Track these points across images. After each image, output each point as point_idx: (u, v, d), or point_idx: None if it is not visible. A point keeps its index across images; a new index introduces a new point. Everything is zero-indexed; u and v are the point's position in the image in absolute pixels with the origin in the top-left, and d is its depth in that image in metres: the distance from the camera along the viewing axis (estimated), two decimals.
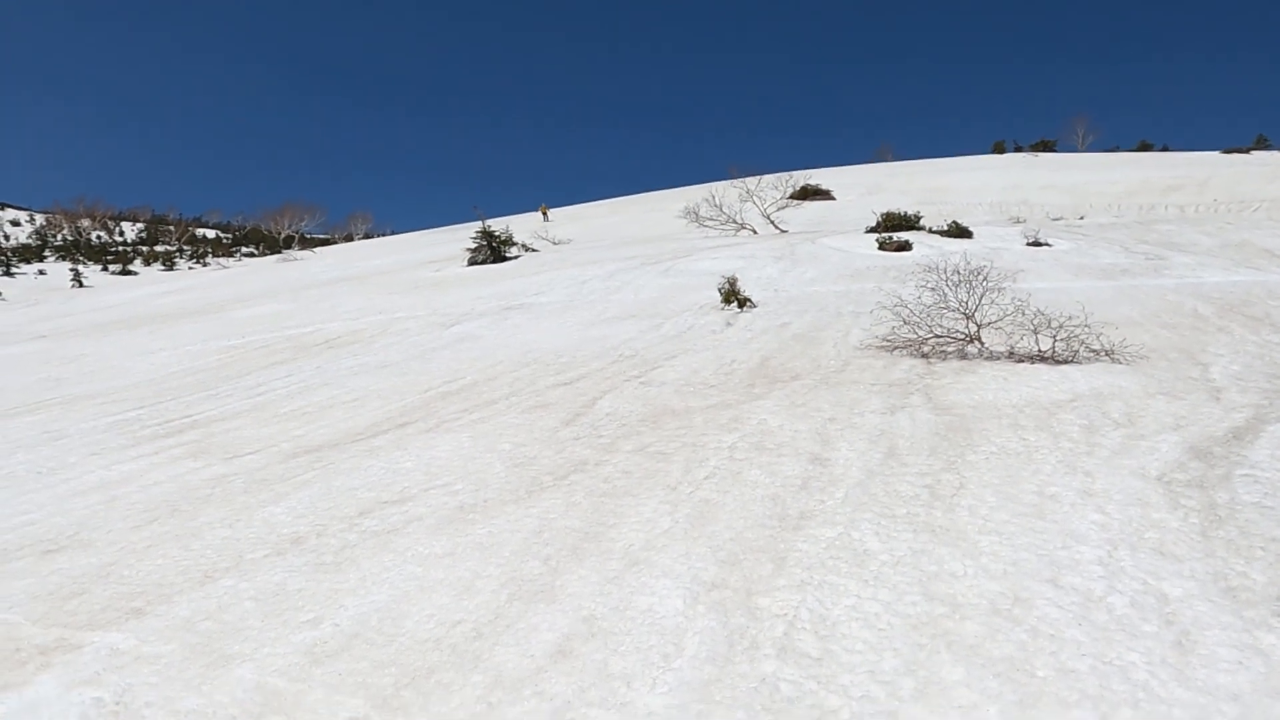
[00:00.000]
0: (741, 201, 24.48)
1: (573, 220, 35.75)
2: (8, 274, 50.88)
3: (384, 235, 67.56)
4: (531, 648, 3.07)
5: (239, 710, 2.89)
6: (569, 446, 5.43)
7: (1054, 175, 37.76)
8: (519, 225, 26.25)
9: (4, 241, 71.38)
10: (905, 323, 7.51)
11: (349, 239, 70.36)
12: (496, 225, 22.70)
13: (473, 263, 20.93)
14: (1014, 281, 9.56)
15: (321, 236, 71.58)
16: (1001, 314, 7.45)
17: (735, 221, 22.99)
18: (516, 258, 21.51)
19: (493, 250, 21.02)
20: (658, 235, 24.67)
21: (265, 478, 5.51)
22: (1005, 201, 30.76)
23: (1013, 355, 6.90)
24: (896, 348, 7.43)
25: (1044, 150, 54.94)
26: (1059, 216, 26.11)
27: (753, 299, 10.43)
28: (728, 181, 26.70)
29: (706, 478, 4.63)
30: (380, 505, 4.72)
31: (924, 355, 7.14)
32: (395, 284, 19.03)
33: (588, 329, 10.06)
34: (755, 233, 22.10)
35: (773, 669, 2.79)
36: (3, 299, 42.93)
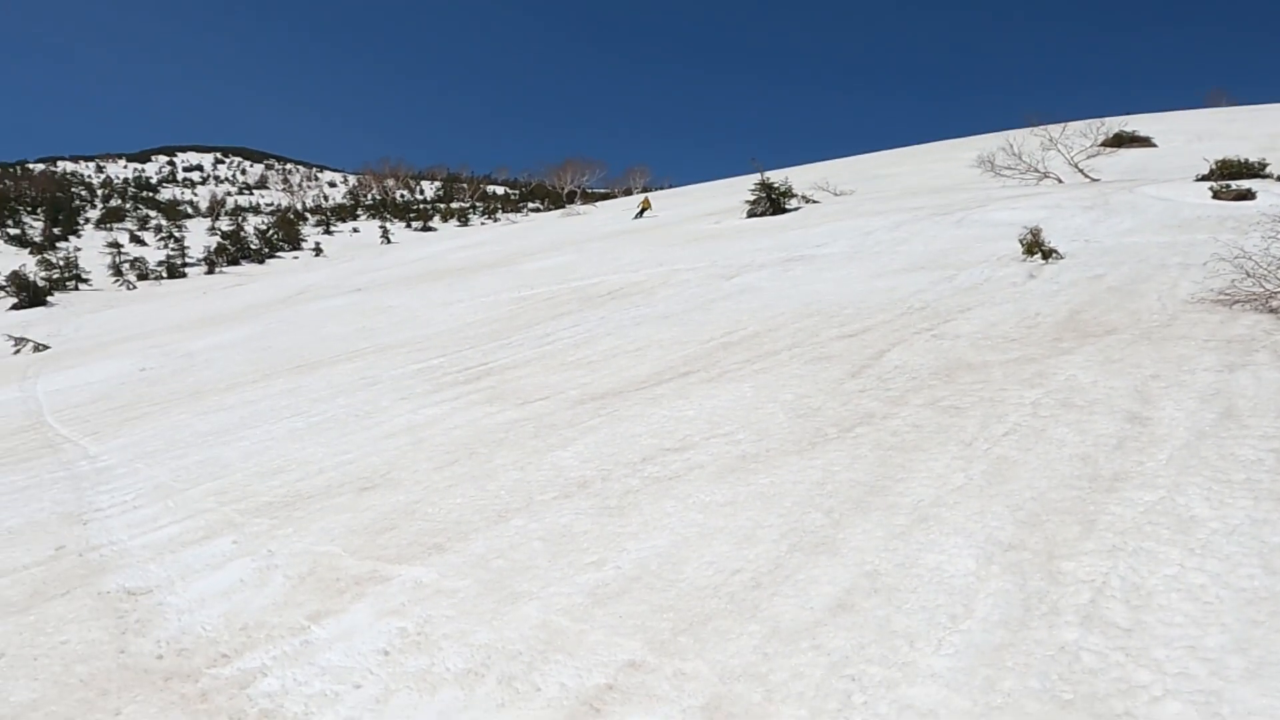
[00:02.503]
0: (1044, 150, 22.41)
1: (854, 173, 34.54)
2: (327, 232, 58.58)
3: (661, 189, 69.42)
4: (811, 600, 3.05)
5: (525, 646, 3.04)
6: (854, 398, 5.36)
7: None
8: (799, 177, 25.86)
9: (324, 202, 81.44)
10: (1249, 275, 6.58)
11: (628, 193, 73.11)
12: (775, 177, 22.56)
13: (751, 215, 21.01)
14: None
15: (602, 191, 74.97)
16: None
17: (1037, 170, 21.13)
18: (796, 209, 21.28)
19: (772, 202, 20.95)
20: (947, 185, 23.20)
21: (554, 423, 5.87)
22: None
23: None
24: (1237, 302, 6.53)
25: None
26: None
27: (1059, 250, 9.57)
28: (1028, 129, 24.53)
29: (1005, 434, 4.39)
30: (662, 452, 4.88)
31: (1272, 310, 6.22)
32: (675, 236, 19.57)
33: (873, 280, 9.79)
34: (1060, 181, 20.16)
35: (1074, 637, 2.63)
36: (325, 255, 49.49)
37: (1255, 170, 15.51)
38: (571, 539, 3.90)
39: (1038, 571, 3.03)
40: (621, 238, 22.48)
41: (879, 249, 12.22)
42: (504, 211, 67.09)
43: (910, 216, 15.03)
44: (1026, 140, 22.83)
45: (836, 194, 24.61)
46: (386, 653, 3.14)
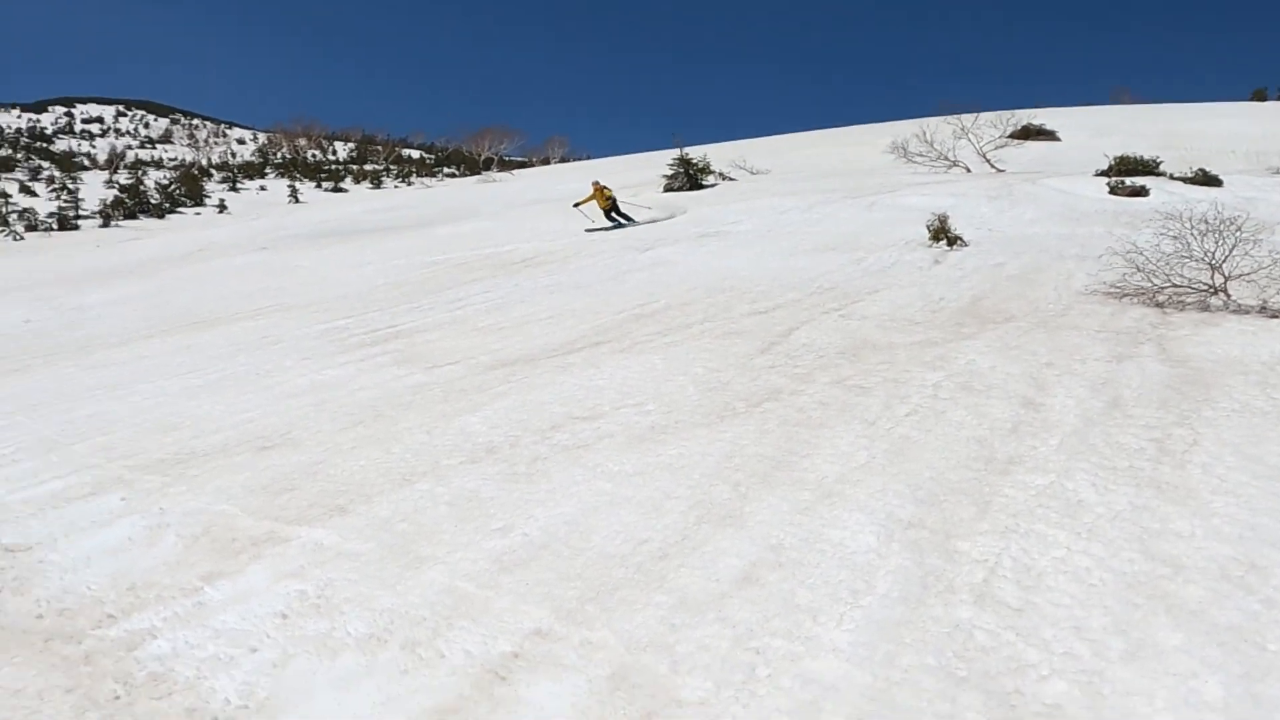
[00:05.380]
0: (955, 139, 23.03)
1: (770, 153, 34.90)
2: (233, 189, 56.17)
3: (579, 160, 68.81)
4: (717, 572, 3.05)
5: (430, 611, 2.97)
6: (763, 374, 5.38)
7: None
8: (717, 154, 25.89)
9: (231, 159, 78.16)
10: (1139, 270, 6.87)
11: (545, 163, 72.24)
12: (694, 154, 22.59)
13: (668, 189, 21.02)
14: (1272, 234, 8.51)
15: (519, 160, 73.86)
16: (1255, 266, 6.69)
17: (947, 159, 21.72)
18: (713, 186, 21.38)
19: (689, 178, 21.02)
20: (861, 169, 23.69)
21: (463, 388, 5.76)
22: (1264, 151, 27.10)
23: (1265, 310, 6.18)
24: (1126, 295, 6.83)
25: None
26: None
27: (964, 237, 9.87)
28: (940, 117, 25.12)
29: (908, 415, 4.47)
30: (572, 420, 4.84)
31: (1158, 305, 6.52)
32: (591, 207, 19.43)
33: (785, 259, 9.89)
34: (969, 171, 20.79)
35: (968, 616, 2.67)
36: (230, 212, 47.52)
37: (1150, 167, 16.25)
38: (478, 504, 3.83)
39: (935, 550, 3.09)
40: (538, 206, 22.19)
41: (792, 228, 12.36)
42: (419, 176, 65.38)
43: (824, 198, 15.25)
44: (939, 128, 23.42)
45: (753, 172, 24.82)
46: (285, 616, 3.05)
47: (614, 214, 16.46)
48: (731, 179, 22.82)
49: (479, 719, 2.42)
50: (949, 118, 24.58)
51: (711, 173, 22.10)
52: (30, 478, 4.76)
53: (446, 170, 70.69)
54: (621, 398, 5.16)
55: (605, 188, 16.80)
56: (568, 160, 71.63)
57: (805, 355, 5.74)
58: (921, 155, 22.22)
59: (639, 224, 16.01)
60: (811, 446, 4.13)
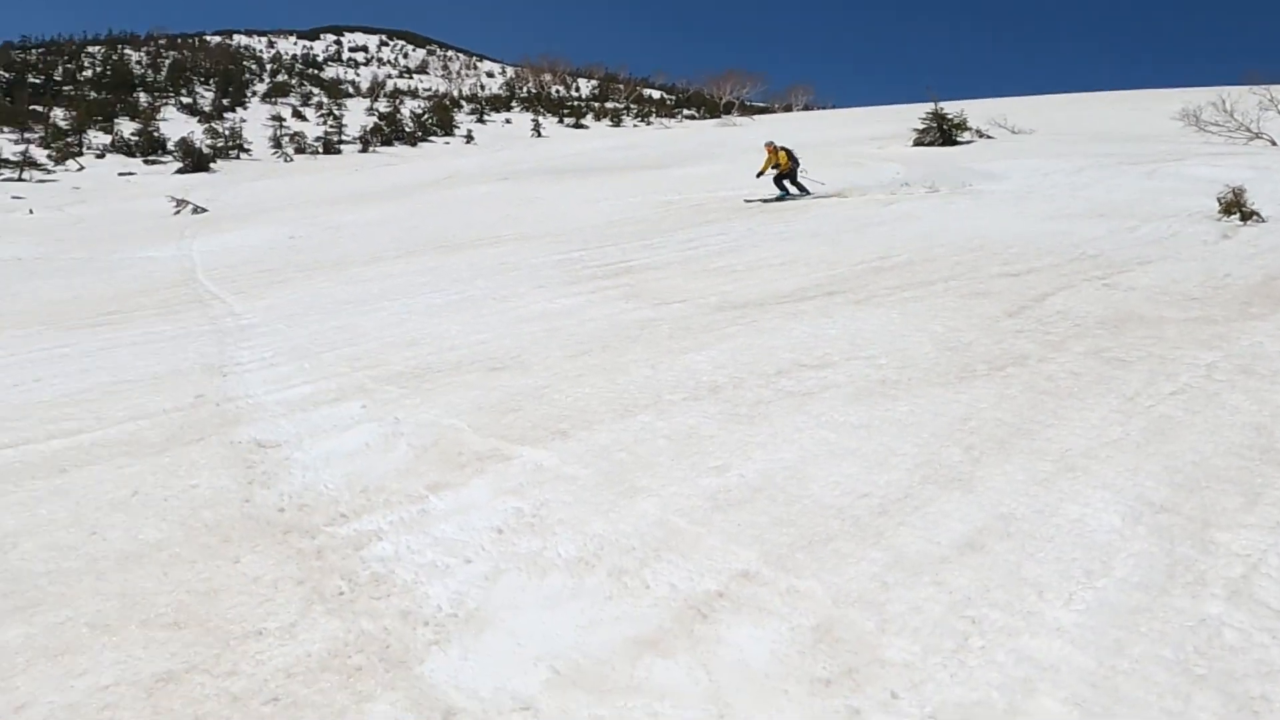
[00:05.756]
0: (1260, 110, 20.23)
1: (1034, 112, 32.26)
2: (481, 121, 59.49)
3: (823, 109, 66.91)
4: (938, 535, 2.93)
5: (639, 542, 2.99)
6: (1010, 338, 5.12)
7: None
8: (974, 111, 24.35)
9: (480, 91, 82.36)
10: None
11: (787, 109, 70.89)
12: (950, 109, 21.40)
13: (918, 143, 20.16)
14: None
15: (760, 105, 72.95)
16: None
17: (1249, 130, 19.14)
18: (969, 143, 20.22)
19: (943, 132, 19.98)
20: (1140, 136, 21.35)
21: (690, 326, 5.85)
22: None
23: None
24: None
25: None
26: None
27: (1262, 214, 8.74)
28: (1245, 87, 22.15)
29: (1173, 393, 4.11)
30: (798, 367, 4.79)
31: None
32: (834, 157, 18.94)
33: (1045, 222, 9.25)
34: (1275, 144, 18.25)
35: (1218, 611, 2.44)
36: (476, 143, 50.40)
37: None
38: (697, 441, 3.83)
39: (1188, 538, 2.84)
40: None
41: (1055, 191, 11.48)
42: (658, 116, 66.36)
43: (1094, 162, 14.02)
44: (1243, 98, 20.61)
45: (1014, 131, 23.13)
46: (500, 531, 3.15)
47: (786, 182, 13.89)
48: (989, 137, 21.43)
49: (676, 653, 2.40)
50: (1255, 88, 21.61)
51: (968, 129, 20.88)
52: (284, 381, 5.29)
53: (686, 112, 71.16)
54: (853, 349, 5.07)
55: (783, 149, 14.15)
56: (810, 109, 69.82)
57: (1059, 322, 5.38)
58: (1217, 125, 19.66)
59: (815, 198, 13.45)
60: (1057, 417, 3.90)
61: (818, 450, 3.67)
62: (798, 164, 13.89)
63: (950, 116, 20.44)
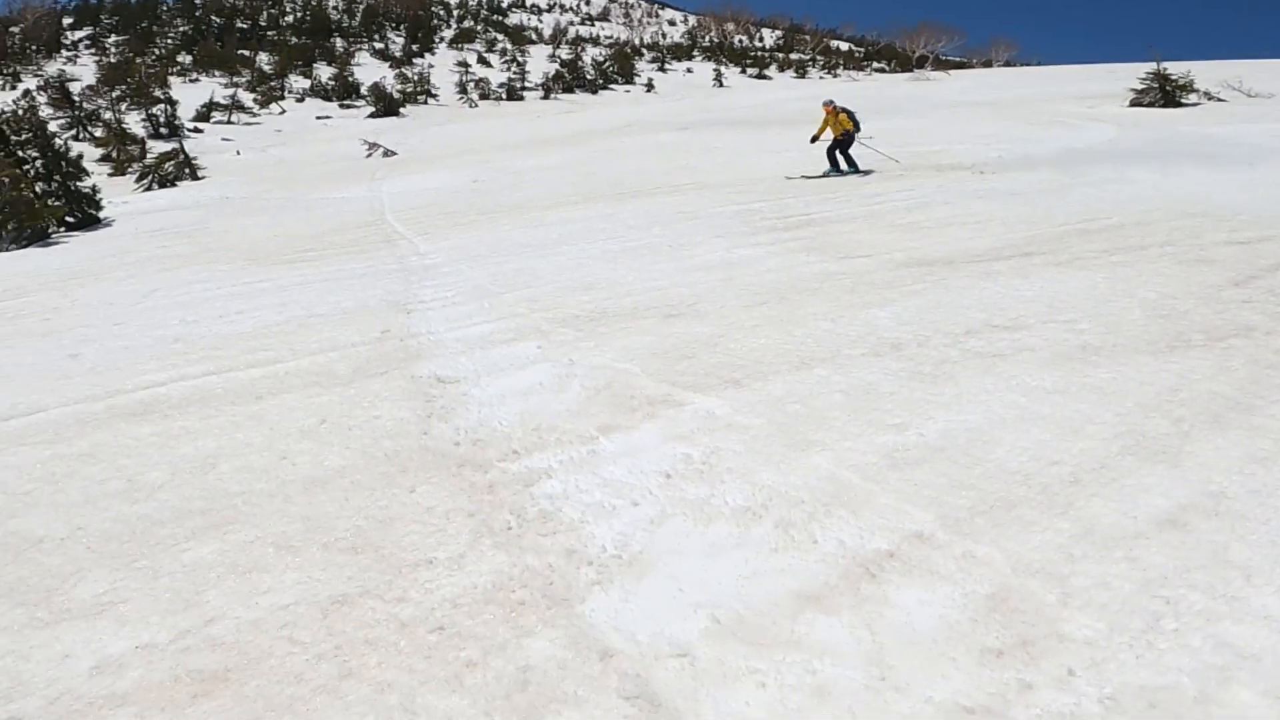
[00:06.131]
0: None
1: (1275, 77, 28.84)
2: (661, 70, 59.23)
3: (1026, 66, 62.42)
4: (1135, 509, 2.73)
5: (809, 495, 2.94)
6: (1233, 308, 4.69)
7: None
8: (1202, 73, 22.06)
9: (662, 40, 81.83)
10: None
11: (987, 65, 66.65)
12: (1174, 69, 19.49)
13: (1135, 104, 18.54)
14: None
15: (956, 60, 69.02)
16: None
17: None
18: (1195, 105, 18.38)
19: (1165, 94, 18.24)
20: None
21: (873, 282, 5.69)
22: None
23: None
24: None
25: None
26: None
27: None
28: None
29: None
30: (989, 328, 4.58)
31: None
32: (1037, 114, 17.81)
33: None
34: None
35: None
36: (656, 92, 50.30)
37: None
38: (875, 398, 3.74)
39: None
40: (974, 109, 20.78)
41: None
42: (845, 68, 64.12)
43: None
44: None
45: (1250, 95, 20.78)
46: (668, 476, 3.14)
47: (838, 153, 11.86)
48: (1221, 100, 19.37)
49: (840, 611, 2.34)
50: None
51: (1194, 90, 18.94)
52: (465, 319, 5.55)
53: (875, 65, 68.35)
54: (1051, 312, 4.79)
55: (842, 110, 11.80)
56: (1012, 65, 65.28)
57: None
58: None
59: (863, 175, 11.56)
60: None
61: (1006, 414, 3.51)
62: (859, 129, 11.91)
63: (1174, 77, 18.58)
